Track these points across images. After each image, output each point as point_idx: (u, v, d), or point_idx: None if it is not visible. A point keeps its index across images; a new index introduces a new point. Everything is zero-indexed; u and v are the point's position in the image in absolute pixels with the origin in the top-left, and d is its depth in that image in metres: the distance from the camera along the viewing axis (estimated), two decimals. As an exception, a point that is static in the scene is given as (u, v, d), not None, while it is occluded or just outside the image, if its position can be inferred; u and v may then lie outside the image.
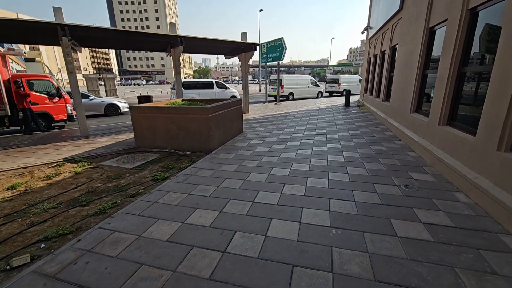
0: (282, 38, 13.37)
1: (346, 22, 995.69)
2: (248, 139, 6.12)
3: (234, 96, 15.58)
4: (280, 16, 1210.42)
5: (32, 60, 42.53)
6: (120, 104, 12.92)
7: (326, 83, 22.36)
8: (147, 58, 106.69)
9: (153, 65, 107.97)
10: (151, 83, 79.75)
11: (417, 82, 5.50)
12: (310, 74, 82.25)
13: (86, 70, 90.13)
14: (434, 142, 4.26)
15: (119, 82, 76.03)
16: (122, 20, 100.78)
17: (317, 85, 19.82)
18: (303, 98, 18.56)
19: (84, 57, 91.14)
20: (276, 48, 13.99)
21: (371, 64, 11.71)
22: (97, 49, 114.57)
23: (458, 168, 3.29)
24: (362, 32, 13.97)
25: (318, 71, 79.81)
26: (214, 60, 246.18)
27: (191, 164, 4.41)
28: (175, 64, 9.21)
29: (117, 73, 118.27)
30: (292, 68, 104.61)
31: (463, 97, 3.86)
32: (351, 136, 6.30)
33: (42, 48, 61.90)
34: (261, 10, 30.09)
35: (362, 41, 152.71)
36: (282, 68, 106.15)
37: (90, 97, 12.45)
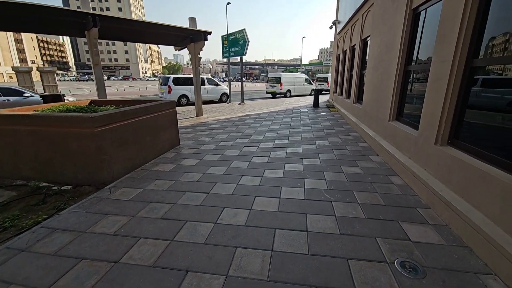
0: (244, 29, 11.75)
1: (318, 23, 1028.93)
2: (180, 158, 4.41)
3: (225, 94, 15.07)
4: (253, 13, 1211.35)
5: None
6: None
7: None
8: (109, 52, 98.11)
9: (116, 60, 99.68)
10: (114, 79, 72.94)
11: (398, 81, 4.25)
12: (283, 72, 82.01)
13: (34, 62, 79.76)
14: (430, 168, 2.97)
15: (75, 77, 68.31)
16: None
17: (310, 83, 20.63)
18: (299, 95, 19.21)
19: (31, 48, 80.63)
20: (238, 41, 12.33)
21: (340, 61, 10.63)
22: (48, 39, 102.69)
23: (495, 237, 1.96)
24: (330, 27, 12.92)
25: (291, 69, 79.78)
26: (186, 56, 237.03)
27: (53, 214, 2.60)
28: (194, 59, 8.10)
29: (73, 67, 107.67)
30: (266, 67, 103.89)
31: (474, 102, 2.58)
32: (317, 150, 4.90)
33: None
34: (228, 3, 28.13)
35: (331, 41, 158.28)
36: (256, 66, 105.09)
37: (25, 94, 9.76)
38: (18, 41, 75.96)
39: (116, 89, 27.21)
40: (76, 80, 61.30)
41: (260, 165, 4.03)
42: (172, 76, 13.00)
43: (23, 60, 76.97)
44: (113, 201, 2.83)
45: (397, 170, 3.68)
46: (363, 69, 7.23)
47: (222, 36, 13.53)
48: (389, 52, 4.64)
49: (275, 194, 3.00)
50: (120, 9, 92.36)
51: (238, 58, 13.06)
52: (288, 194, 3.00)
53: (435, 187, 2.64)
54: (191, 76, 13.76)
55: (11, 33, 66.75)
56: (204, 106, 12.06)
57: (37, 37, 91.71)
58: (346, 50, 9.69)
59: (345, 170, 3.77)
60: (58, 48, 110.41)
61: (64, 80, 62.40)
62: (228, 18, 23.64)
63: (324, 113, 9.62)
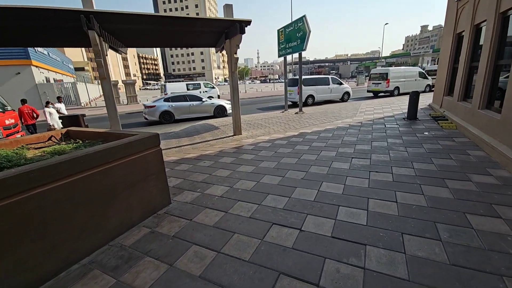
0: (304, 16, 8.97)
1: (400, 11, 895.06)
2: (150, 248, 2.26)
3: (347, 93, 15.13)
4: (323, 8, 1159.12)
5: (81, 69, 45.87)
6: (227, 106, 12.04)
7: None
8: (188, 62, 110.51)
9: (194, 68, 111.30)
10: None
11: None
12: (357, 68, 73.34)
13: (135, 76, 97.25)
14: None
15: (158, 86, 79.52)
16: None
17: (425, 77, 16.91)
18: (407, 93, 15.82)
19: (133, 64, 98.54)
20: (296, 33, 9.64)
21: (467, 43, 6.50)
22: (146, 55, 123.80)
23: None
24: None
25: (367, 64, 69.98)
26: (255, 60, 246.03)
27: None
28: (230, 60, 6.30)
29: (163, 77, 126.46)
30: (337, 63, 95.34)
31: None
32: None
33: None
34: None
35: (423, 26, 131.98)
36: (326, 64, 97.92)
37: (203, 99, 11.62)
38: (124, 59, 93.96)
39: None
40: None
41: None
42: (302, 77, 13.52)
43: (127, 74, 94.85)
44: None
45: None
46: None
47: (278, 30, 11.10)
48: None
49: None
50: (196, 6, 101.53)
51: (297, 55, 10.33)
52: None
53: None
54: (319, 76, 15.15)
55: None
56: (252, 118, 9.94)
57: (138, 54, 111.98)
58: (481, 23, 5.68)
59: None
60: (153, 62, 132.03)
61: (154, 89, 73.69)
62: (293, 13, 21.06)
63: (433, 135, 5.88)
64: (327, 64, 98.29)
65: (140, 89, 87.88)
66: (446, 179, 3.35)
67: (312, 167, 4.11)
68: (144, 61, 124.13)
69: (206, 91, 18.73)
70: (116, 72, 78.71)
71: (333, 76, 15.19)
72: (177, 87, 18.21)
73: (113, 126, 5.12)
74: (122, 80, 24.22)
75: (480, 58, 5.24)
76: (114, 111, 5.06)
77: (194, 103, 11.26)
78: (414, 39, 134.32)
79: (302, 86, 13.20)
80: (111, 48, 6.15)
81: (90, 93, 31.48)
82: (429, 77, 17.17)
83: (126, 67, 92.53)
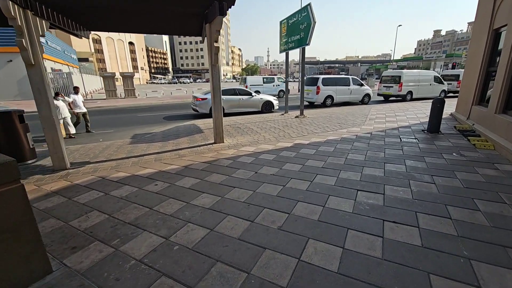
0: (309, 5, 7.63)
1: (412, 15, 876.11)
2: None
3: (367, 95, 14.38)
4: (336, 5, 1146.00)
5: (85, 60, 45.32)
6: (274, 102, 11.83)
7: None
8: (197, 57, 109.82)
9: (203, 64, 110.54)
10: (199, 81, 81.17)
11: None
12: (367, 70, 71.36)
13: (143, 69, 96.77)
14: None
15: (168, 81, 78.86)
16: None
17: (441, 82, 15.66)
18: (423, 98, 14.92)
19: (141, 57, 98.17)
20: (300, 24, 8.32)
21: (509, 44, 5.08)
22: (155, 49, 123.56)
23: None
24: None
25: (377, 66, 67.69)
26: (265, 58, 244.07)
27: None
28: (210, 48, 5.09)
29: (171, 72, 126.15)
30: (347, 65, 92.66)
31: None
32: None
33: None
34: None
35: (436, 31, 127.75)
36: (336, 65, 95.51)
37: (253, 94, 11.52)
38: (132, 51, 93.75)
39: (162, 94, 25.68)
40: (168, 83, 70.38)
41: None
42: (321, 76, 13.13)
43: (135, 67, 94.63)
44: None
45: None
46: None
47: (281, 22, 9.79)
48: None
49: None
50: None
51: (303, 53, 8.98)
52: None
53: None
54: (339, 76, 14.41)
55: (128, 44, 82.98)
56: (245, 119, 8.67)
57: (147, 47, 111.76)
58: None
59: None
60: (162, 56, 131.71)
61: (161, 83, 73.07)
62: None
63: (465, 156, 4.53)
64: (337, 65, 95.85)
65: (146, 82, 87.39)
66: (507, 246, 2.05)
67: (299, 206, 2.84)
68: (153, 54, 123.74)
69: (278, 85, 20.25)
70: (123, 65, 78.45)
71: (354, 77, 14.38)
72: (255, 80, 19.78)
73: (47, 129, 3.95)
74: (119, 72, 23.43)
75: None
76: (48, 109, 3.87)
77: (244, 97, 11.13)
78: (427, 43, 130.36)
79: (321, 85, 12.87)
80: (66, 31, 5.00)
81: (89, 84, 30.70)
82: (444, 82, 15.93)
83: (134, 60, 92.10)
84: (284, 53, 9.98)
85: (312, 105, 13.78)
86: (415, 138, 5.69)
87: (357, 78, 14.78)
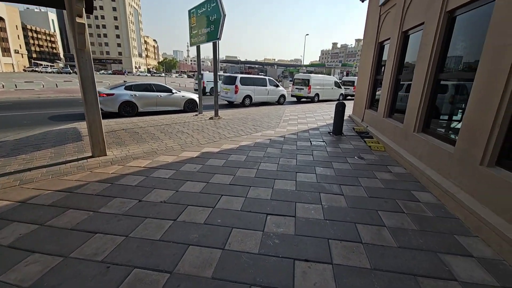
0: (218, -7, 6.89)
1: (317, 27, 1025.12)
2: None
3: (283, 96, 14.79)
4: (262, 13, 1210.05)
5: None
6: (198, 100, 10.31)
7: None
8: (100, 44, 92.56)
9: (108, 52, 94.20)
10: (103, 73, 68.05)
11: None
12: (283, 72, 77.62)
13: (18, 52, 73.82)
14: None
15: (57, 70, 62.78)
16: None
17: (339, 87, 18.05)
18: (327, 100, 16.96)
19: (16, 37, 74.70)
20: (209, 16, 7.46)
21: (392, 55, 5.78)
22: (37, 28, 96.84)
23: None
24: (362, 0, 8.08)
25: (291, 70, 74.84)
26: (185, 53, 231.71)
27: None
28: (73, 26, 3.20)
29: (63, 58, 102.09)
30: (265, 66, 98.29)
31: None
32: None
33: None
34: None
35: (334, 43, 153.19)
36: (256, 66, 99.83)
37: (173, 91, 10.19)
38: (2, 29, 70.43)
39: (42, 86, 19.51)
40: (58, 73, 56.14)
41: None
42: (239, 75, 12.97)
43: (5, 50, 71.49)
44: None
45: None
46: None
47: (189, 11, 8.66)
48: None
49: None
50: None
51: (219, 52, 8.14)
52: None
53: None
54: (257, 76, 14.48)
55: (-11, 18, 61.45)
56: (148, 122, 7.13)
57: (23, 25, 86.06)
58: (409, 30, 4.89)
59: None
60: (48, 38, 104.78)
61: (46, 72, 57.21)
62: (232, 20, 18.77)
63: (364, 159, 4.77)
64: (256, 66, 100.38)
65: (24, 70, 67.01)
66: (416, 276, 1.84)
67: (187, 255, 2.00)
68: (34, 35, 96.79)
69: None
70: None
71: (270, 78, 14.65)
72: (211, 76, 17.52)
73: None
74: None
75: (415, 69, 4.35)
76: None
77: (162, 94, 9.74)
78: (327, 53, 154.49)
79: (239, 85, 12.54)
80: None
81: None
82: (342, 87, 18.65)
83: (4, 40, 68.82)
84: (201, 48, 8.91)
85: (231, 105, 13.28)
86: (323, 141, 5.83)
87: (273, 79, 15.16)
